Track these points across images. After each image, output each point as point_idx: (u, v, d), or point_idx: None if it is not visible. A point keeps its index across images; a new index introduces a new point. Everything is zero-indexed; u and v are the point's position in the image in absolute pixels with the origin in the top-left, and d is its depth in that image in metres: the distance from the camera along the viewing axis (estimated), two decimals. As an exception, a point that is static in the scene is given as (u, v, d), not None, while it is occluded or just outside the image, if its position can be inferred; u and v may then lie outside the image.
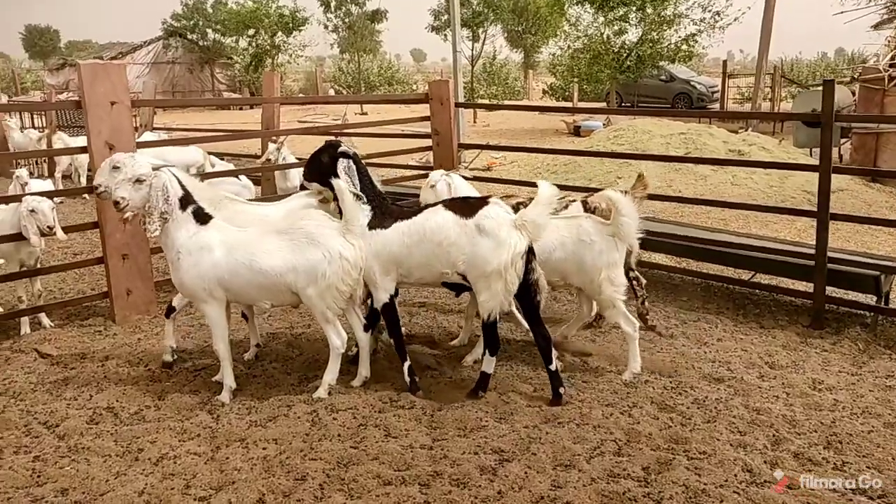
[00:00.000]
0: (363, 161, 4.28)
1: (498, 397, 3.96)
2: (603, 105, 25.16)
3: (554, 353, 3.96)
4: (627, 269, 5.49)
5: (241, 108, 30.88)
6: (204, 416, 3.82)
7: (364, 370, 4.18)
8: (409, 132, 13.99)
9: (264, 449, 3.47)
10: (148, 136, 12.46)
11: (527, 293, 3.86)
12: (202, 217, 3.97)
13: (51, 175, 12.84)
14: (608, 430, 3.59)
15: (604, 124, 18.57)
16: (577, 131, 19.46)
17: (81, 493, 3.10)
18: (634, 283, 5.25)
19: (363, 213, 4.03)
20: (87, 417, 3.79)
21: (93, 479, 3.20)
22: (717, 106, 24.59)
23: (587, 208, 4.71)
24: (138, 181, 3.83)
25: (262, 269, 3.85)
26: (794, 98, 18.06)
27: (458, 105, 7.65)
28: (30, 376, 4.36)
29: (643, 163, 11.17)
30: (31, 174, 13.34)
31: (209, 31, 39.04)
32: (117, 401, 3.99)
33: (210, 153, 10.82)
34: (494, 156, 14.61)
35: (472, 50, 26.83)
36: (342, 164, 4.10)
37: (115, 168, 4.30)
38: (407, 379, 4.07)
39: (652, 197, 7.57)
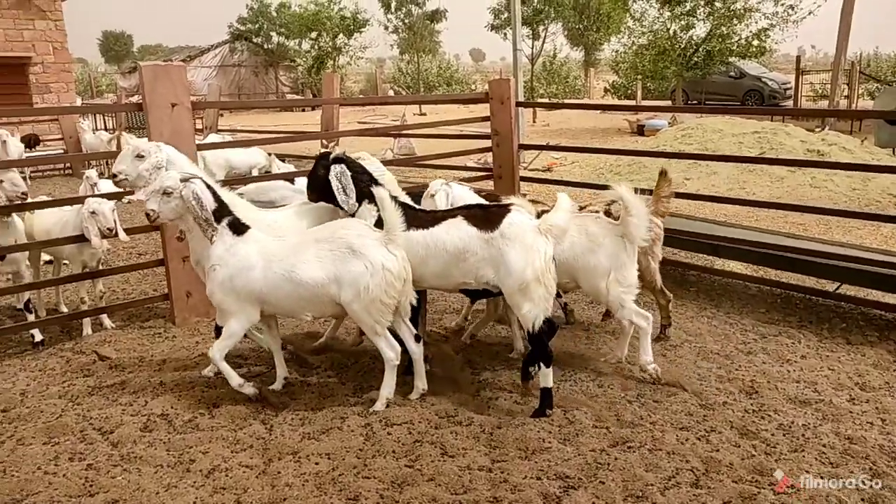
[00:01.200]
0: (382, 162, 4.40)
1: (562, 415, 3.72)
2: (668, 103, 24.42)
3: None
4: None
5: (303, 110, 31.35)
6: (257, 426, 3.72)
7: (421, 383, 4.00)
8: (467, 133, 13.81)
9: (317, 464, 3.33)
10: (213, 138, 12.68)
11: None
12: (238, 228, 3.87)
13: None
14: (684, 457, 3.31)
15: (669, 123, 17.95)
16: (640, 130, 18.89)
17: (132, 505, 3.03)
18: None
19: (371, 213, 4.00)
20: (142, 424, 3.74)
21: (143, 490, 3.12)
22: (789, 103, 23.50)
23: (610, 217, 4.44)
24: (166, 193, 3.75)
25: (301, 280, 3.71)
26: (876, 95, 17.05)
27: (518, 104, 7.40)
28: (88, 379, 4.36)
29: (714, 164, 10.69)
30: (101, 175, 13.84)
31: (273, 34, 39.82)
32: (172, 407, 3.94)
33: (271, 154, 10.90)
34: (554, 156, 14.29)
35: (532, 48, 26.47)
36: (334, 170, 4.05)
37: (139, 156, 4.27)
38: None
39: (722, 200, 7.21)
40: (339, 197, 4.04)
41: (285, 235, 4.06)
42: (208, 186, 3.87)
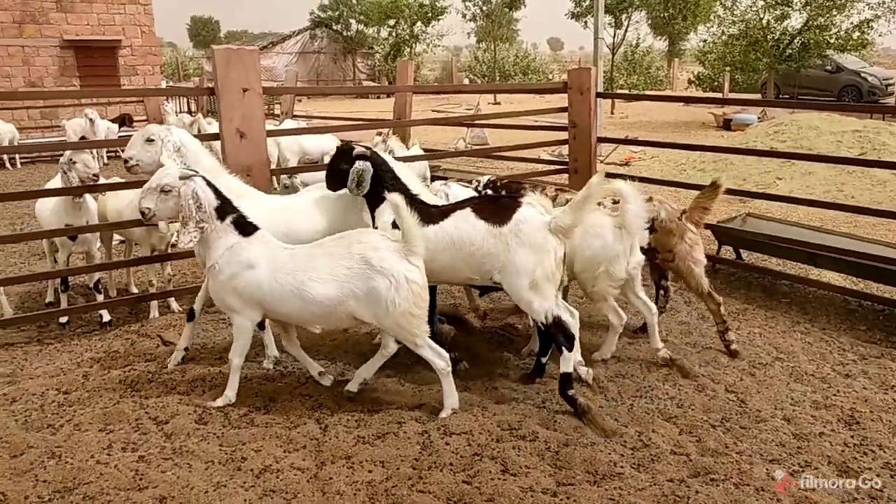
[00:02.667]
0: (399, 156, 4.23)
1: (637, 437, 3.41)
2: (757, 97, 23.17)
3: None
4: (661, 277, 4.93)
5: (378, 97, 31.49)
6: (312, 425, 3.58)
7: (452, 401, 3.68)
8: (542, 124, 13.42)
9: (370, 472, 3.15)
10: (288, 124, 12.77)
11: None
12: (245, 227, 3.68)
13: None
14: (774, 496, 2.95)
15: (759, 118, 17.00)
16: (727, 125, 17.98)
17: (179, 503, 2.93)
18: (662, 292, 4.92)
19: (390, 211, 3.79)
20: (197, 416, 3.65)
21: (192, 488, 3.02)
22: (892, 100, 21.87)
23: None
24: (164, 191, 3.59)
25: (314, 298, 3.50)
26: None
27: (598, 95, 7.01)
28: (150, 364, 4.33)
29: (809, 164, 9.96)
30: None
31: (353, 21, 40.18)
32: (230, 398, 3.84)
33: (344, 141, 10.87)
34: (633, 150, 13.71)
35: (614, 37, 25.61)
36: (357, 166, 3.90)
37: (149, 141, 4.14)
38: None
39: (819, 204, 6.62)
40: (350, 186, 3.93)
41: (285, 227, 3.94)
42: (209, 184, 3.68)
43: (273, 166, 10.48)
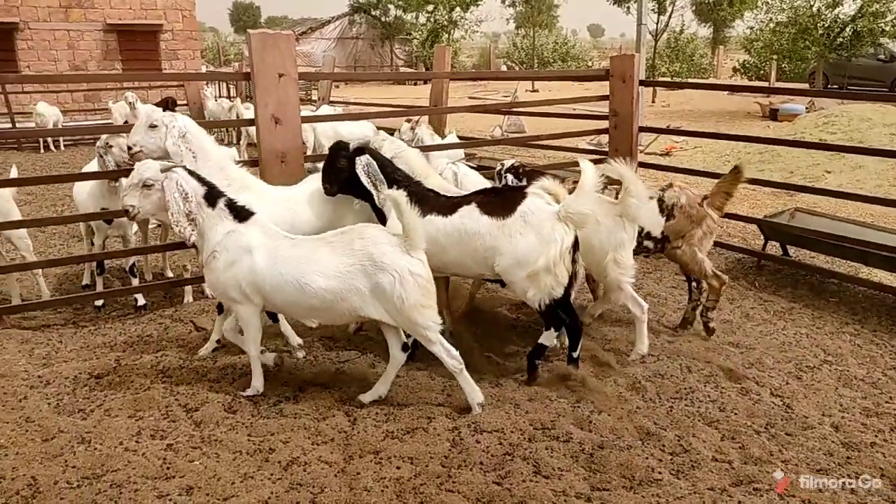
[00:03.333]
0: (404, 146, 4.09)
1: (676, 441, 3.28)
2: (805, 86, 22.43)
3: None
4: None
5: (415, 83, 31.37)
6: (340, 417, 3.52)
7: (383, 389, 3.66)
8: (580, 112, 13.16)
9: (398, 468, 3.08)
10: (325, 110, 12.76)
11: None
12: (240, 212, 3.58)
13: (238, 143, 13.57)
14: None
15: (806, 108, 16.44)
16: (773, 115, 17.42)
17: (206, 494, 2.89)
18: (694, 285, 4.70)
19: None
20: (226, 405, 3.63)
21: (219, 478, 2.98)
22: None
23: (663, 206, 4.37)
24: (146, 186, 3.50)
25: (315, 291, 3.41)
26: None
27: (642, 83, 6.80)
28: (181, 351, 4.33)
29: (860, 157, 9.57)
30: (221, 141, 14.34)
31: (391, 6, 40.03)
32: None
33: (379, 128, 10.80)
34: (675, 140, 13.37)
35: (657, 23, 24.99)
36: (361, 162, 3.79)
37: (153, 127, 4.03)
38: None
39: (871, 199, 6.31)
40: (371, 191, 3.84)
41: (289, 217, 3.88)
42: (192, 173, 3.59)
43: (309, 152, 10.50)
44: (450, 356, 3.48)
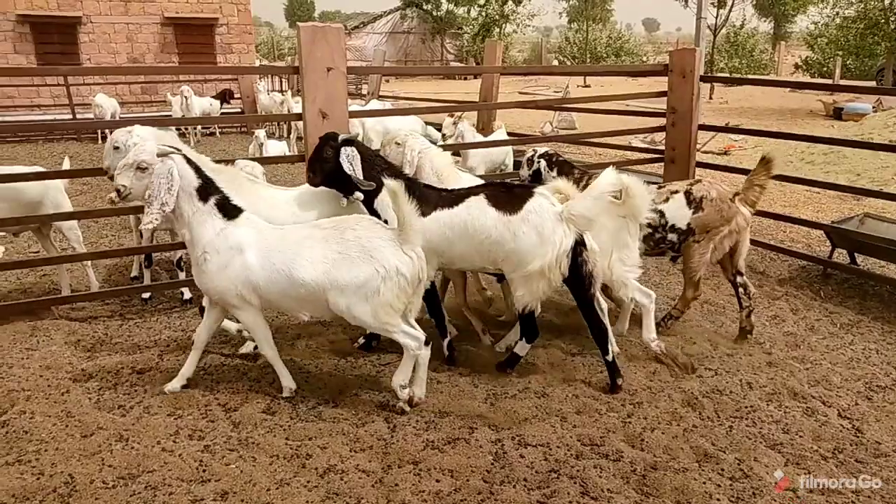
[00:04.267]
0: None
1: (736, 465, 3.05)
2: (872, 84, 21.40)
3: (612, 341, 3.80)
4: (736, 272, 4.48)
5: (465, 78, 31.20)
6: (380, 423, 3.41)
7: (419, 390, 3.57)
8: (633, 108, 12.79)
9: (438, 482, 2.95)
10: (374, 104, 12.71)
11: (580, 285, 3.63)
12: (229, 210, 3.46)
13: (287, 137, 13.65)
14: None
15: (873, 107, 15.66)
16: (837, 114, 16.64)
17: (241, 500, 2.82)
18: (741, 290, 4.45)
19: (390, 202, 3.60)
20: (265, 406, 3.56)
21: (254, 484, 2.91)
22: None
23: (691, 199, 4.32)
24: (140, 168, 3.38)
25: (303, 280, 3.31)
26: None
27: (702, 79, 6.49)
28: (224, 347, 4.28)
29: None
30: (271, 135, 14.48)
31: (443, 1, 39.91)
32: (298, 389, 3.73)
33: (428, 123, 10.69)
34: (733, 138, 12.87)
35: (717, 17, 24.22)
36: (345, 152, 3.72)
37: (115, 148, 3.91)
38: (445, 352, 4.05)
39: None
40: (356, 181, 3.72)
41: (292, 219, 3.78)
42: (190, 162, 3.47)
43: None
44: (413, 339, 3.42)
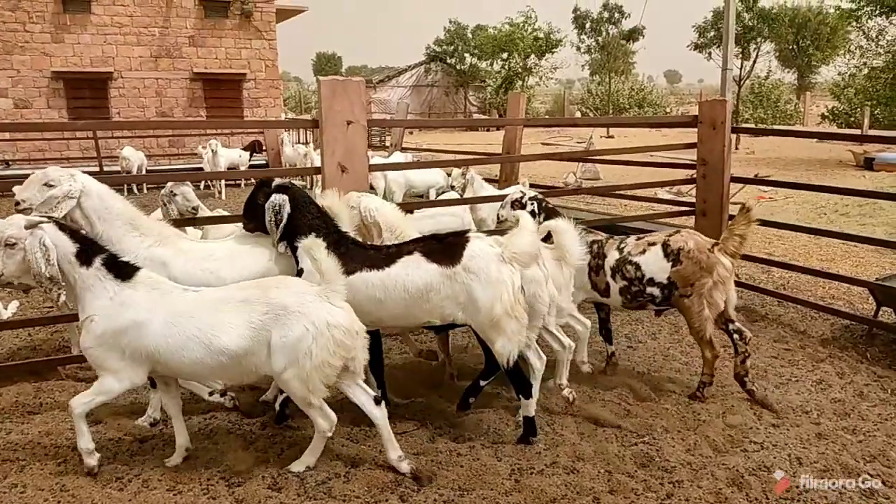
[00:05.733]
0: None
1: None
2: (903, 134, 21.05)
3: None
4: (727, 320, 4.30)
5: (487, 130, 31.46)
6: (394, 502, 3.14)
7: (394, 454, 3.36)
8: (661, 160, 12.61)
9: (457, 573, 2.65)
10: (398, 156, 12.71)
11: None
12: (121, 269, 3.22)
13: (312, 188, 13.67)
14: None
15: (907, 157, 15.32)
16: (868, 164, 16.29)
17: (239, 592, 2.55)
18: (736, 336, 4.26)
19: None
20: (271, 481, 3.29)
21: (255, 574, 2.64)
22: None
23: (668, 251, 4.20)
24: (8, 245, 3.16)
25: (225, 347, 3.08)
26: None
27: (733, 130, 6.30)
28: (231, 414, 4.05)
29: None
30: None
31: (467, 55, 40.64)
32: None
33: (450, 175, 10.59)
34: (763, 189, 12.59)
35: (741, 69, 24.22)
36: (273, 200, 3.59)
37: (48, 185, 3.59)
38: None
39: None
40: (269, 229, 3.62)
41: (204, 276, 3.58)
42: (63, 227, 3.24)
43: (379, 199, 10.39)
44: (325, 419, 3.27)
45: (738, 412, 4.04)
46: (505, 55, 37.31)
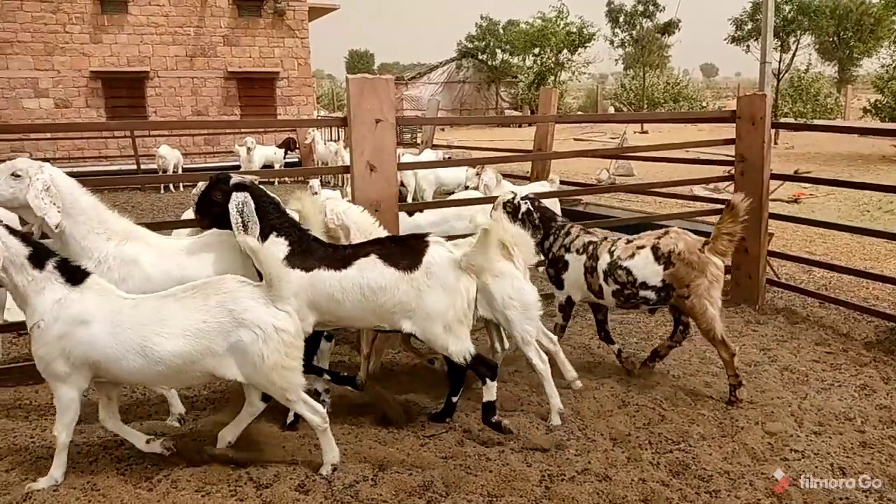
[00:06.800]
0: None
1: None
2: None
3: None
4: (681, 312, 4.35)
5: (519, 126, 31.26)
6: (422, 506, 3.09)
7: (331, 455, 3.33)
8: (696, 156, 12.35)
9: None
10: (428, 153, 12.67)
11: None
12: (72, 274, 3.17)
13: (342, 186, 13.72)
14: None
15: (956, 152, 14.76)
16: (915, 159, 15.75)
17: None
18: (681, 327, 4.44)
19: (280, 248, 3.51)
20: (299, 482, 3.28)
21: (281, 578, 2.61)
22: None
23: (659, 254, 4.16)
24: None
25: (160, 356, 3.04)
26: None
27: (774, 126, 6.11)
28: (263, 413, 4.03)
29: None
30: (326, 184, 14.59)
31: (498, 51, 40.47)
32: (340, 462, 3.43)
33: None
34: (803, 185, 12.25)
35: (780, 62, 23.64)
36: (235, 199, 3.46)
37: (15, 175, 3.50)
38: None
39: None
40: (237, 231, 3.46)
41: (179, 272, 3.53)
42: (13, 231, 3.16)
43: (409, 198, 10.36)
44: (315, 414, 3.26)
45: (779, 419, 3.90)
46: (537, 50, 37.02)
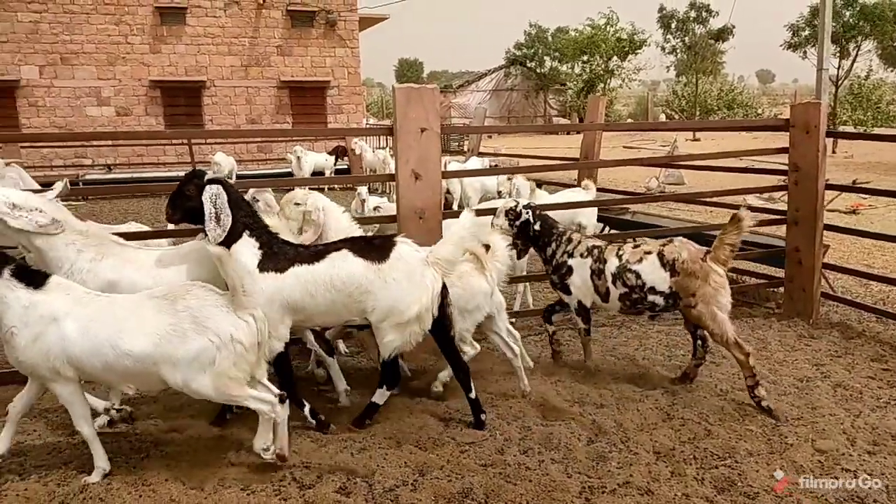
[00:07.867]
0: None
1: None
2: None
3: None
4: (696, 326, 4.41)
5: (567, 133, 31.06)
6: (462, 513, 3.10)
7: (263, 441, 3.35)
8: (749, 165, 12.06)
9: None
10: (474, 161, 12.71)
11: (442, 327, 3.80)
12: (31, 277, 3.17)
13: (388, 193, 13.86)
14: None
15: None
16: (984, 169, 15.05)
17: None
18: (699, 342, 4.49)
19: (251, 250, 3.55)
20: (341, 484, 3.33)
21: (321, 578, 2.67)
22: None
23: (664, 261, 4.26)
24: None
25: (130, 352, 3.07)
26: None
27: (829, 134, 5.93)
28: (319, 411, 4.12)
29: None
30: (374, 191, 14.78)
31: (547, 58, 40.30)
32: (378, 466, 3.49)
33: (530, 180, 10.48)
34: (862, 195, 11.83)
35: (839, 68, 22.89)
36: (209, 190, 3.48)
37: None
38: (311, 421, 3.90)
39: None
40: (210, 225, 3.47)
41: (153, 282, 3.57)
42: None
43: (455, 205, 10.40)
44: (262, 403, 3.28)
45: (830, 436, 3.78)
46: (586, 58, 36.72)
